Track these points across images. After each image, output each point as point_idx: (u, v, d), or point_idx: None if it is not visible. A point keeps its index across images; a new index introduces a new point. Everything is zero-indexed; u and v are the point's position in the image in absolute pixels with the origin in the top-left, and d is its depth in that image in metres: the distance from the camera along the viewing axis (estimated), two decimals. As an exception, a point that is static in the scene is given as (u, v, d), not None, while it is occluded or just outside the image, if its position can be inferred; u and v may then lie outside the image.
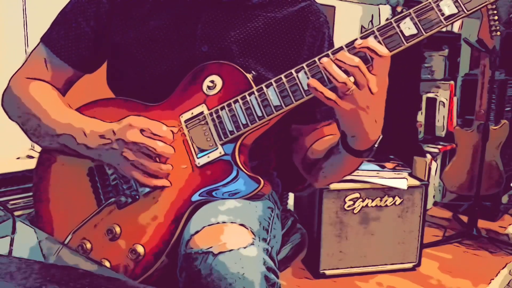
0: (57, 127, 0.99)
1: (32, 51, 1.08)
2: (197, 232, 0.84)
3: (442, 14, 0.83)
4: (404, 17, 0.84)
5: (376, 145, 0.92)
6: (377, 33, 0.84)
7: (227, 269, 0.78)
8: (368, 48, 0.81)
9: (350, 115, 0.85)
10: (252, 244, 0.82)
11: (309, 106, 0.95)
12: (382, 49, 0.81)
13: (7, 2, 1.69)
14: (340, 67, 0.82)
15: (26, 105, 1.03)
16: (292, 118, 1.03)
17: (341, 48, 0.86)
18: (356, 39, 0.84)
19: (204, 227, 0.84)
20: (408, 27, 0.84)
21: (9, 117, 1.07)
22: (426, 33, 0.84)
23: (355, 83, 0.82)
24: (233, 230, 0.84)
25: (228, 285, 0.78)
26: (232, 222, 0.85)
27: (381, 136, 0.92)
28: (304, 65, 0.88)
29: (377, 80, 0.82)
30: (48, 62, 1.06)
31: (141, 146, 0.91)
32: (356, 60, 0.81)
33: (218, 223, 0.85)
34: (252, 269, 0.79)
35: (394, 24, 0.84)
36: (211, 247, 0.80)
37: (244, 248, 0.80)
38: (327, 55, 0.85)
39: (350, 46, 0.85)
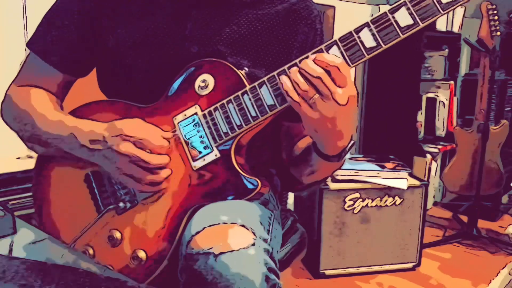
0: (49, 130, 0.98)
1: (25, 59, 1.05)
2: (198, 232, 0.83)
3: (439, 2, 0.80)
4: (399, 7, 0.81)
5: (346, 151, 0.91)
6: (372, 26, 0.82)
7: (228, 270, 0.78)
8: (323, 61, 0.81)
9: (315, 123, 0.85)
10: (253, 244, 0.81)
11: None
12: (334, 60, 0.81)
13: (7, 2, 1.69)
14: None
15: (20, 114, 1.01)
16: (282, 114, 1.03)
17: (334, 42, 0.84)
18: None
19: (205, 227, 0.84)
20: (403, 17, 0.81)
21: (10, 128, 1.04)
22: (422, 23, 0.81)
23: (319, 93, 0.81)
24: (234, 231, 0.83)
25: (229, 285, 0.77)
26: (232, 223, 0.85)
27: (352, 142, 0.92)
28: (297, 61, 0.86)
29: (344, 91, 0.81)
30: (38, 69, 1.03)
31: (134, 160, 0.90)
32: (319, 71, 0.80)
33: (219, 223, 0.84)
34: (253, 269, 0.79)
35: (390, 16, 0.82)
36: (212, 247, 0.80)
37: (245, 248, 0.80)
38: (321, 50, 0.85)
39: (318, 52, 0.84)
